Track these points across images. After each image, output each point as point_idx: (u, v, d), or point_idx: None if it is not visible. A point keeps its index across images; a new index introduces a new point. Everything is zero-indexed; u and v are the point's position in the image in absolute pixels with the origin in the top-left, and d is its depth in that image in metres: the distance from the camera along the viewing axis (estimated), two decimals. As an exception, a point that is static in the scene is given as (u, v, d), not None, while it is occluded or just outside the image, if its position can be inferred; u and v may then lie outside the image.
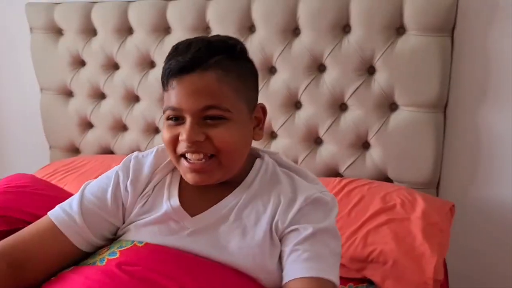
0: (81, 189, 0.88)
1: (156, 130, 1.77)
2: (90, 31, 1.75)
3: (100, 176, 0.91)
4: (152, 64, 1.71)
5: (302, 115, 1.54)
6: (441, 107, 1.41)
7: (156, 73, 1.68)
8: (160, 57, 1.67)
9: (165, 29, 1.66)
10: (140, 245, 0.83)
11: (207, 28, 1.61)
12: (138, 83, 1.72)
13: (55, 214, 0.84)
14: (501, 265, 1.55)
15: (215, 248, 0.81)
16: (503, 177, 1.48)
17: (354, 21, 1.42)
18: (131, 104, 1.77)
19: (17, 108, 2.09)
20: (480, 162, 1.49)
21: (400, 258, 1.15)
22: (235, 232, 0.81)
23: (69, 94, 1.85)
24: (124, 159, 0.91)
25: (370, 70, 1.45)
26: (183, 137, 0.78)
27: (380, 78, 1.43)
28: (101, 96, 1.81)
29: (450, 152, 1.49)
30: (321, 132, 1.53)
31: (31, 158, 2.09)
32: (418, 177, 1.46)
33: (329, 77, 1.48)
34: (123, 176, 0.88)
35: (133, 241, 0.83)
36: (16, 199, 1.07)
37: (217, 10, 1.57)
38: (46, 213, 0.86)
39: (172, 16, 1.63)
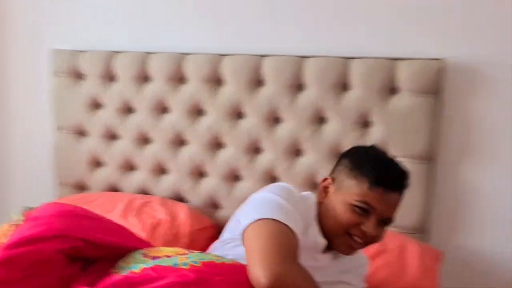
0: None
1: (163, 171, 1.89)
2: (110, 77, 1.91)
3: None
4: (166, 110, 1.86)
5: (305, 162, 1.69)
6: (429, 159, 1.57)
7: (170, 118, 1.83)
8: (174, 102, 1.83)
9: (180, 79, 1.83)
10: None
11: (219, 80, 1.78)
12: (152, 126, 1.86)
13: None
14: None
15: None
16: (482, 228, 1.62)
17: (354, 81, 1.61)
18: (143, 145, 1.90)
19: (24, 146, 2.19)
20: (464, 214, 1.63)
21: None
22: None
23: (83, 133, 1.97)
24: None
25: (367, 124, 1.62)
26: (367, 229, 1.04)
27: (376, 132, 1.59)
28: (114, 137, 1.94)
29: (437, 202, 1.64)
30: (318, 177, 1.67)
31: (34, 194, 2.15)
32: (408, 223, 1.59)
33: (330, 128, 1.65)
34: None
35: None
36: (72, 221, 1.15)
37: (232, 66, 1.75)
38: (98, 233, 1.00)
39: (188, 68, 1.80)
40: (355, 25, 1.66)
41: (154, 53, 1.86)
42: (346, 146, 1.61)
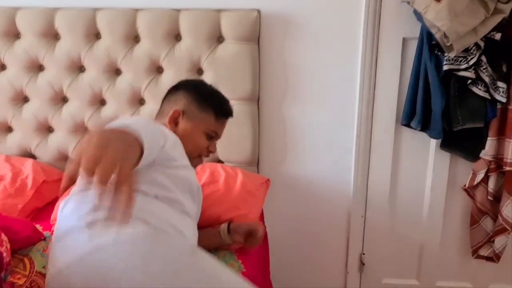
0: None
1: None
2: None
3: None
4: (3, 67, 1.84)
5: (147, 110, 1.80)
6: (254, 100, 1.78)
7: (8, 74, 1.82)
8: (10, 58, 1.81)
9: (16, 34, 1.81)
10: None
11: (56, 34, 1.80)
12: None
13: None
14: (305, 221, 2.00)
15: None
16: (303, 156, 1.91)
17: (184, 32, 1.74)
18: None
19: None
20: (288, 146, 1.90)
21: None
22: None
23: None
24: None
25: (200, 72, 1.77)
26: (213, 149, 1.36)
27: (208, 78, 1.75)
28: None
29: (265, 137, 1.88)
30: (162, 125, 1.81)
31: None
32: (242, 157, 1.81)
33: (166, 77, 1.77)
34: None
35: None
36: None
37: (66, 19, 1.77)
38: None
39: (21, 23, 1.78)
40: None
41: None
42: (183, 92, 1.76)
